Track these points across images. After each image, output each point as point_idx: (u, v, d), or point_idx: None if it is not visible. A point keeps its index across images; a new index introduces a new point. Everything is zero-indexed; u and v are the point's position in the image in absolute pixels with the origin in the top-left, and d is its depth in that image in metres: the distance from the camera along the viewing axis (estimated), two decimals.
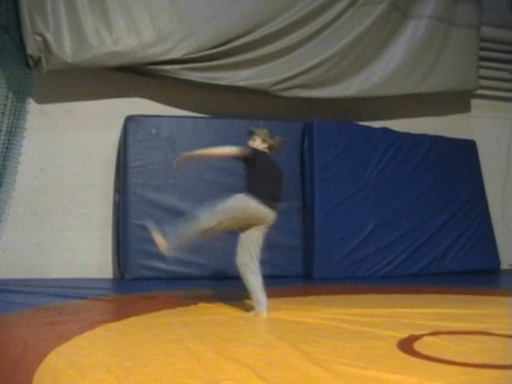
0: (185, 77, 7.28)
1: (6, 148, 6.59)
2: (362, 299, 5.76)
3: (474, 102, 9.26)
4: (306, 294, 6.26)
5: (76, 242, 7.12)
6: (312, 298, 5.85)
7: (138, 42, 7.05)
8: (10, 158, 6.61)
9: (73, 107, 7.22)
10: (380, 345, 3.57)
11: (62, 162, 7.14)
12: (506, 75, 9.52)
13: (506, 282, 8.01)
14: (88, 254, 7.18)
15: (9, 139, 6.61)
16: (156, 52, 7.11)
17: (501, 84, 9.48)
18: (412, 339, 3.71)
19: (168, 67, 7.19)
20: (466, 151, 8.68)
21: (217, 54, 7.38)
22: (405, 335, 3.81)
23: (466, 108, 9.24)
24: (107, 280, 7.09)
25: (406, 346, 3.53)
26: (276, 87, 7.65)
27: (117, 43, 6.96)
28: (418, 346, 3.55)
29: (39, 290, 5.87)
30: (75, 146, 7.18)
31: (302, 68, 7.77)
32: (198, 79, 7.31)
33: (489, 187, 8.82)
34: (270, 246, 7.25)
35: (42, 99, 7.03)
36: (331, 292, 6.13)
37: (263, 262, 7.19)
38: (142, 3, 7.13)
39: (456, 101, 9.07)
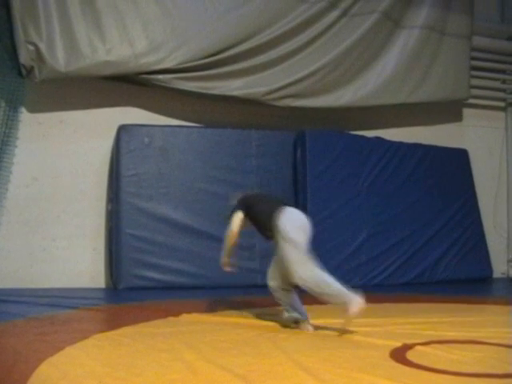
0: (178, 86, 7.29)
1: None
2: None
3: (466, 111, 9.31)
4: None
5: (68, 251, 7.09)
6: (304, 307, 5.83)
7: (131, 52, 7.06)
8: (2, 167, 6.59)
9: (65, 116, 7.21)
10: (373, 354, 3.57)
11: (55, 171, 7.13)
12: (497, 85, 9.59)
13: (498, 291, 8.03)
14: (80, 263, 7.15)
15: (1, 148, 6.58)
16: (149, 61, 7.12)
17: (492, 93, 9.53)
18: (405, 348, 3.70)
19: (161, 76, 7.20)
20: (458, 160, 8.72)
21: (210, 64, 7.40)
22: (398, 344, 3.80)
23: (457, 117, 9.28)
24: (99, 290, 7.05)
25: (399, 355, 3.53)
26: (269, 96, 7.67)
27: (110, 52, 6.97)
28: (410, 355, 3.54)
29: (30, 300, 5.82)
30: (68, 155, 7.17)
31: (295, 77, 7.79)
32: (190, 89, 7.32)
33: (481, 196, 8.85)
34: (261, 256, 7.34)
35: (34, 108, 7.02)
36: (324, 301, 6.10)
37: (255, 271, 7.25)
38: (135, 12, 7.13)
39: (448, 110, 9.12)
